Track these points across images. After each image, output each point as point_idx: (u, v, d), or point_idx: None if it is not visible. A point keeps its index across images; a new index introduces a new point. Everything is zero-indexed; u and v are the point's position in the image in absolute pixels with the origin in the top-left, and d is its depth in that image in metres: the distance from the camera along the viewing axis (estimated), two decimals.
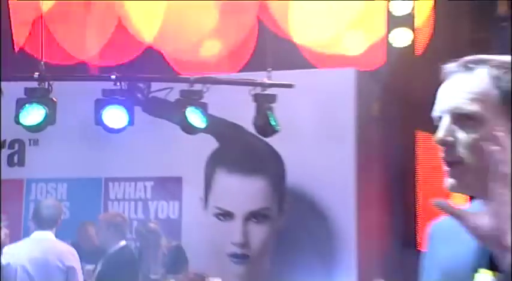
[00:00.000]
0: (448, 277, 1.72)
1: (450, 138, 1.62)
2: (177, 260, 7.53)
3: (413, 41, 8.16)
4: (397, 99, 8.38)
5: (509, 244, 1.47)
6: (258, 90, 7.28)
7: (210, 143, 8.11)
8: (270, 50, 7.83)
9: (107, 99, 7.14)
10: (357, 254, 7.77)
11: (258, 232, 8.14)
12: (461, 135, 1.61)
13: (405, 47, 8.29)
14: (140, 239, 7.70)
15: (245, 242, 8.13)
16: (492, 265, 1.55)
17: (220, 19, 9.42)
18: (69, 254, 6.09)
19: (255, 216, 8.12)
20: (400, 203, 8.47)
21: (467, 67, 1.65)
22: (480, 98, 1.61)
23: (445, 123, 1.64)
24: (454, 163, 1.62)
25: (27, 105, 6.84)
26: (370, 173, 8.19)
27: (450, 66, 1.68)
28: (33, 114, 6.87)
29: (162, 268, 7.42)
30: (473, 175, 1.60)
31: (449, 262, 1.70)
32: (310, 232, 7.88)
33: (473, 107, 1.61)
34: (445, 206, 1.51)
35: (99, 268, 6.68)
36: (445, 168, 1.64)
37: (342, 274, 7.70)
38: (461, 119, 1.62)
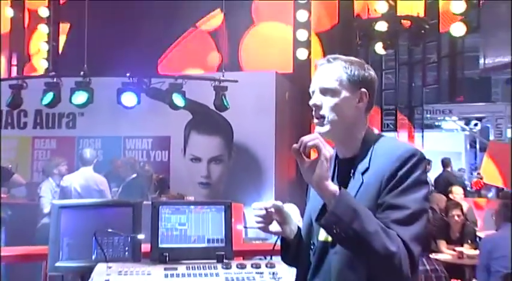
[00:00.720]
0: (313, 209, 1.68)
1: (319, 103, 1.61)
2: (163, 186, 7.47)
3: (308, 56, 8.32)
4: (298, 89, 8.56)
5: (330, 189, 1.45)
6: (216, 83, 7.27)
7: (187, 115, 8.14)
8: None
9: (124, 88, 7.08)
10: (274, 182, 7.86)
11: (216, 169, 8.23)
12: (325, 101, 1.60)
13: (304, 60, 8.44)
14: (140, 175, 7.63)
15: (208, 175, 8.24)
16: None
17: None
18: (102, 181, 6.10)
19: (214, 160, 8.20)
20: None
21: (329, 61, 1.65)
22: (337, 79, 1.61)
23: (316, 94, 1.63)
24: (320, 118, 1.61)
25: (76, 91, 6.79)
26: (283, 133, 8.29)
27: (319, 61, 1.68)
28: (80, 97, 6.83)
29: (155, 191, 7.31)
30: (332, 125, 1.60)
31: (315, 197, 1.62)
32: (247, 169, 7.95)
33: (332, 84, 1.60)
34: (295, 151, 1.49)
35: (120, 190, 6.67)
36: (315, 122, 1.63)
37: (266, 193, 7.75)
38: (325, 91, 1.61)
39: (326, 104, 1.61)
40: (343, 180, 1.59)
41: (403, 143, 1.66)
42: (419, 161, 1.53)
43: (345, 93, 1.61)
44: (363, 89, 1.62)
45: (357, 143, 1.63)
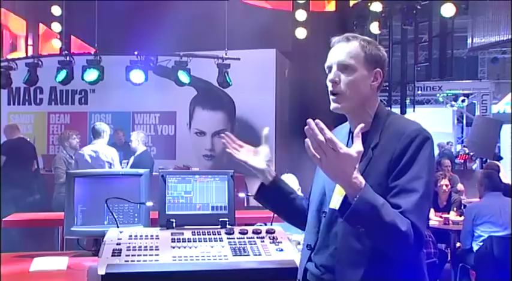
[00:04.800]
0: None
1: (337, 79, 1.57)
2: None
3: (307, 35, 8.24)
4: (297, 67, 8.52)
5: (354, 186, 1.38)
6: (220, 61, 7.25)
7: (192, 92, 8.16)
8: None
9: (132, 65, 7.06)
10: (274, 154, 7.88)
11: (220, 142, 8.14)
12: (343, 77, 1.57)
13: (303, 39, 8.36)
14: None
15: (212, 148, 8.28)
16: None
17: None
18: (112, 152, 6.04)
19: (217, 133, 8.21)
20: (299, 123, 8.66)
21: (348, 39, 1.60)
22: (354, 56, 1.57)
23: (334, 70, 1.59)
24: (337, 94, 1.58)
25: (88, 69, 6.81)
26: (282, 107, 8.34)
27: (337, 38, 1.63)
28: (91, 75, 6.86)
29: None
30: (347, 101, 1.58)
31: None
32: (248, 142, 7.90)
33: (351, 61, 1.56)
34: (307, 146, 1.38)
35: (131, 161, 6.60)
36: (331, 97, 1.59)
37: None
38: (343, 68, 1.57)
39: (343, 80, 1.58)
40: None
41: (412, 122, 1.61)
42: (425, 140, 1.50)
43: (361, 71, 1.57)
44: (378, 69, 1.60)
45: (369, 119, 1.61)
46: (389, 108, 1.69)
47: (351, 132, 1.67)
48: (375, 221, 1.39)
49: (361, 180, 1.39)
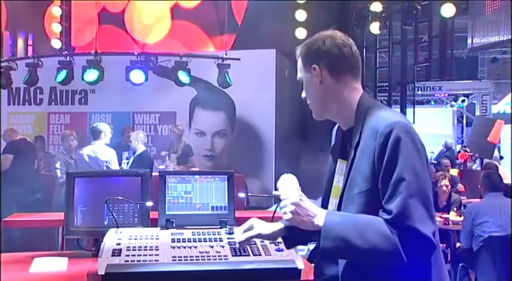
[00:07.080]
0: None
1: (303, 95, 1.65)
2: (188, 151, 7.28)
3: (306, 36, 8.22)
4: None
5: (316, 227, 1.43)
6: (220, 61, 7.26)
7: (192, 92, 8.14)
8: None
9: (132, 66, 7.07)
10: (274, 154, 7.90)
11: (220, 143, 8.26)
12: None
13: (303, 39, 8.35)
14: (172, 134, 7.42)
15: (212, 148, 8.27)
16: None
17: None
18: (110, 152, 6.01)
19: (218, 134, 8.23)
20: (299, 123, 8.68)
21: (296, 54, 1.65)
22: (299, 68, 1.63)
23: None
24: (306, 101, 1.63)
25: (88, 69, 6.82)
26: (282, 108, 8.32)
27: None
28: (91, 75, 6.87)
29: (175, 159, 7.10)
30: (314, 109, 1.60)
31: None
32: (248, 142, 7.94)
33: (299, 74, 1.64)
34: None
35: (130, 161, 6.61)
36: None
37: (266, 164, 7.81)
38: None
39: (304, 93, 1.64)
40: (345, 152, 1.56)
41: (386, 115, 1.48)
42: (399, 135, 1.39)
43: (305, 77, 1.60)
44: (313, 65, 1.56)
45: (349, 115, 1.55)
46: (374, 101, 1.61)
47: (339, 130, 1.68)
48: (351, 252, 1.39)
49: (318, 220, 1.42)
